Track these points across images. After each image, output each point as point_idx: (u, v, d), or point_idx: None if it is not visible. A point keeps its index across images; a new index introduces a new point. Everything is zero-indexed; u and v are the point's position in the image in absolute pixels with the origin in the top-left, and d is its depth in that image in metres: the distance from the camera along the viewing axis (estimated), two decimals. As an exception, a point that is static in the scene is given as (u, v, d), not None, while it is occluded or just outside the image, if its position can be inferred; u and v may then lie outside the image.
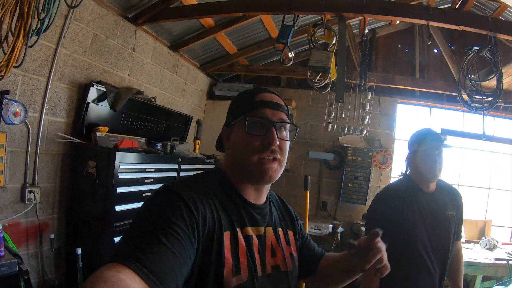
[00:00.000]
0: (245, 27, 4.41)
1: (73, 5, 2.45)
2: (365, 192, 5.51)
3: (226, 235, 1.05)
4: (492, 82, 4.04)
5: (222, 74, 5.53)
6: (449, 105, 5.69)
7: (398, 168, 5.52)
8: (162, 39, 4.19)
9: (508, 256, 4.53)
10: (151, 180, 3.15)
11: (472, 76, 3.94)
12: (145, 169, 3.11)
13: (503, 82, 3.91)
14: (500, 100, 3.89)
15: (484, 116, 4.27)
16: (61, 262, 3.06)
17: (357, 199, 5.52)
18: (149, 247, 0.83)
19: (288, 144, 1.21)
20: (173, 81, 4.37)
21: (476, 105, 3.96)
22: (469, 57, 3.78)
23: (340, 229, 4.66)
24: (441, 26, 3.81)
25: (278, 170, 1.17)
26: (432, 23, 3.55)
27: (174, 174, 3.41)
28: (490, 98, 3.85)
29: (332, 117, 4.81)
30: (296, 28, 3.41)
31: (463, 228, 2.61)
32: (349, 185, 5.52)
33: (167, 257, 0.84)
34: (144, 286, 0.76)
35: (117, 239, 2.73)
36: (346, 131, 4.88)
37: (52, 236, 2.91)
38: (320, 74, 3.56)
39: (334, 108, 4.80)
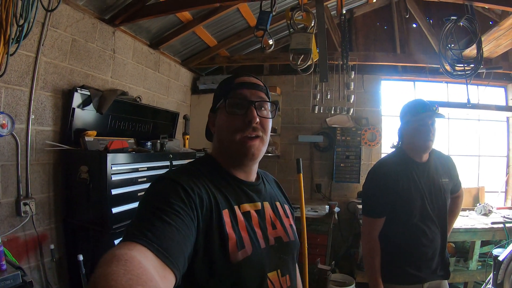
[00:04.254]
0: (223, 18, 4.38)
1: (50, 9, 2.43)
2: (358, 171, 5.57)
3: (225, 213, 1.09)
4: (472, 51, 4.10)
5: (205, 68, 5.50)
6: (432, 77, 5.75)
7: (387, 144, 5.55)
8: (141, 38, 4.15)
9: (504, 220, 4.66)
10: (145, 179, 3.14)
11: (452, 45, 3.98)
12: (137, 168, 3.09)
13: (483, 49, 3.97)
14: (481, 67, 3.95)
15: (468, 84, 4.35)
16: (64, 271, 3.05)
17: (350, 178, 5.57)
18: (155, 226, 0.87)
19: (270, 122, 1.26)
20: (156, 79, 4.35)
21: (459, 73, 4.02)
22: (447, 27, 3.83)
23: (336, 209, 4.73)
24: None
25: (260, 148, 1.23)
26: (408, -5, 3.59)
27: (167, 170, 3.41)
28: (471, 66, 3.90)
29: (317, 100, 4.85)
30: (274, 13, 3.40)
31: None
32: (341, 165, 5.56)
33: (173, 234, 0.89)
34: (156, 260, 0.80)
35: (117, 242, 2.72)
36: (333, 112, 4.94)
37: (52, 247, 2.88)
38: (302, 56, 3.58)
39: (319, 90, 4.84)
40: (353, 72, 4.67)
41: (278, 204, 1.35)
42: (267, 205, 1.28)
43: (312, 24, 3.54)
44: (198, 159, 1.30)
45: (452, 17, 3.72)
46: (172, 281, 0.83)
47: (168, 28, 4.22)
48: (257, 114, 1.19)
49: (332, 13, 5.29)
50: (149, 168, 3.23)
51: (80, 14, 3.19)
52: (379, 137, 5.67)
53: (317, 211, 4.71)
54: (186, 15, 4.02)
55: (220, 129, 1.23)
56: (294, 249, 1.31)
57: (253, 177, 1.31)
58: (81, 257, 2.63)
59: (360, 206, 4.78)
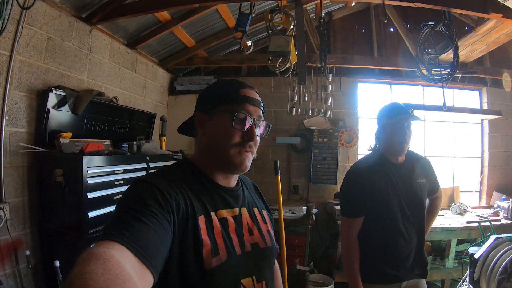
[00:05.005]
0: (202, 18, 4.34)
1: (25, 6, 2.36)
2: (335, 172, 5.62)
3: (201, 219, 1.09)
4: (449, 55, 4.21)
5: (182, 68, 5.44)
6: (409, 80, 5.90)
7: (364, 146, 5.67)
8: (118, 37, 4.07)
9: (479, 219, 4.80)
10: (121, 182, 3.08)
11: (430, 50, 4.07)
12: (114, 171, 3.03)
13: (459, 54, 4.08)
14: (457, 71, 4.05)
15: (444, 87, 4.47)
16: (40, 278, 2.96)
17: (327, 180, 5.62)
18: (133, 226, 0.87)
19: (259, 139, 1.28)
20: (133, 80, 4.27)
21: (435, 77, 4.11)
22: (425, 32, 3.91)
23: (314, 210, 4.77)
24: (396, 4, 3.90)
25: (251, 160, 1.25)
26: (387, 2, 3.64)
27: (144, 173, 3.35)
28: (448, 70, 4.00)
29: (295, 101, 4.88)
30: (253, 15, 3.40)
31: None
32: (318, 166, 5.60)
33: (150, 234, 0.89)
34: (135, 260, 0.80)
35: (94, 246, 2.67)
36: (310, 114, 4.98)
37: (28, 252, 2.81)
38: (281, 59, 3.59)
39: (297, 92, 4.87)
40: (331, 74, 4.72)
41: (256, 210, 1.36)
42: (244, 211, 1.29)
43: (292, 27, 3.56)
44: (176, 163, 1.29)
45: (430, 23, 3.80)
46: (150, 281, 0.84)
47: (146, 28, 4.16)
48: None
49: (311, 15, 5.34)
50: (125, 171, 3.17)
51: (56, 12, 3.11)
52: (356, 138, 5.74)
53: (294, 213, 4.74)
54: (164, 14, 3.97)
55: (217, 136, 1.22)
56: (271, 255, 1.33)
57: (233, 183, 1.31)
58: (57, 263, 2.57)
59: (337, 207, 4.86)
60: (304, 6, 4.01)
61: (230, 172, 1.26)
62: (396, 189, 2.34)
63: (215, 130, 1.22)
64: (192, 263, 1.04)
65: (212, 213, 1.15)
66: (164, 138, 4.21)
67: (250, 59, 5.20)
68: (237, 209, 1.25)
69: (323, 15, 4.46)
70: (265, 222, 1.37)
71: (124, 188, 2.92)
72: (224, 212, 1.20)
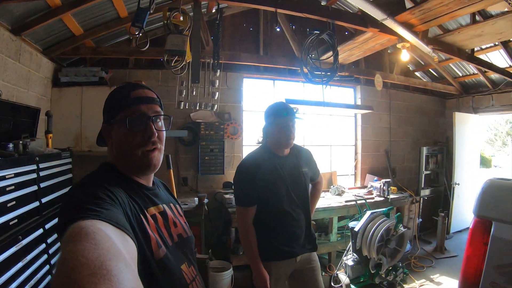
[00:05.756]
0: (94, 6, 4.08)
1: None
2: (222, 163, 5.88)
3: (141, 217, 1.21)
4: (329, 58, 4.69)
5: (67, 58, 5.04)
6: (291, 77, 6.43)
7: (248, 137, 6.15)
8: (2, 21, 3.57)
9: (356, 198, 5.60)
10: (13, 187, 2.78)
11: (313, 55, 4.48)
12: (4, 176, 2.70)
13: (339, 57, 4.60)
14: (336, 75, 4.56)
15: (324, 88, 5.00)
16: None
17: (215, 170, 5.84)
18: (100, 209, 0.94)
19: (164, 133, 1.40)
20: (16, 71, 3.82)
21: (317, 79, 4.54)
22: (310, 39, 4.28)
23: (205, 200, 4.92)
24: (288, 13, 4.17)
25: (159, 158, 1.37)
26: (280, 11, 3.90)
27: (34, 175, 3.06)
28: (328, 73, 4.45)
29: (183, 96, 4.93)
30: (151, 11, 3.34)
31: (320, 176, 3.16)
32: (206, 158, 5.78)
33: (117, 213, 0.99)
34: (117, 231, 0.88)
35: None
36: (198, 108, 5.12)
37: None
38: (176, 57, 3.62)
39: (185, 86, 4.91)
40: (219, 70, 4.86)
41: (172, 205, 1.51)
42: (165, 207, 1.42)
43: (188, 26, 3.61)
44: (99, 170, 1.33)
45: (315, 31, 4.17)
46: (132, 244, 0.92)
47: (33, 13, 3.73)
48: (155, 128, 1.32)
49: (202, 10, 5.37)
50: (16, 175, 2.87)
51: None
52: (240, 130, 6.07)
53: (187, 204, 4.83)
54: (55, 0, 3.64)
55: (120, 144, 1.31)
56: (192, 243, 1.51)
57: (151, 182, 1.44)
58: None
59: (226, 196, 5.21)
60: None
61: (144, 173, 1.37)
62: (283, 179, 2.68)
63: (118, 138, 1.31)
64: (146, 255, 1.14)
65: (146, 211, 1.25)
66: (50, 135, 3.89)
67: (140, 51, 5.02)
68: (161, 206, 1.38)
69: (213, 11, 4.57)
70: (181, 215, 1.55)
71: (17, 194, 2.71)
72: (153, 210, 1.32)
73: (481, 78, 7.41)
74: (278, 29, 6.11)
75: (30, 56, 4.07)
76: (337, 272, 4.63)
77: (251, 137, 6.30)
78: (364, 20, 4.10)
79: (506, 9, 3.89)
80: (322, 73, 4.53)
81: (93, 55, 4.96)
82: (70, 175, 3.76)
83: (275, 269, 2.67)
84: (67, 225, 0.82)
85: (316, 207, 3.30)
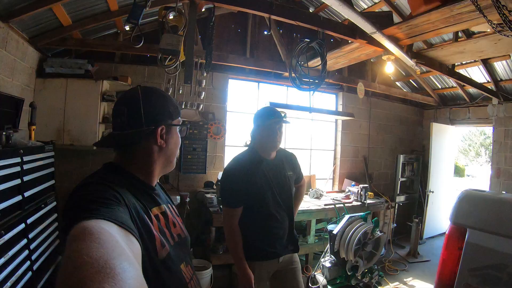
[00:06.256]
0: (86, -3, 3.98)
1: None
2: (204, 162, 5.88)
3: (146, 217, 1.22)
4: (316, 63, 4.77)
5: (52, 48, 4.92)
6: (276, 80, 6.49)
7: (231, 138, 6.19)
8: None
9: (334, 201, 5.70)
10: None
11: (302, 62, 4.55)
12: None
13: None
14: (323, 83, 4.63)
15: (311, 95, 5.09)
16: None
17: (197, 169, 5.84)
18: (105, 209, 0.96)
19: None
20: (2, 59, 3.69)
21: (305, 86, 4.61)
22: (300, 47, 4.34)
23: (187, 199, 4.95)
24: (281, 20, 4.21)
25: None
26: (274, 17, 3.94)
27: (18, 168, 2.98)
28: (316, 81, 4.52)
29: (169, 93, 4.90)
30: (147, 8, 3.31)
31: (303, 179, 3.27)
32: (188, 157, 5.77)
33: (122, 213, 1.00)
34: (121, 231, 0.89)
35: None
36: (183, 107, 5.11)
37: None
38: (170, 56, 3.62)
39: (172, 84, 4.90)
40: (207, 70, 4.88)
41: (170, 205, 1.52)
42: (165, 207, 1.44)
43: (183, 26, 3.60)
44: (105, 169, 1.33)
45: (306, 39, 4.24)
46: (137, 245, 0.93)
47: (23, 0, 3.60)
48: None
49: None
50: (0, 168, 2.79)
51: None
52: (223, 131, 6.09)
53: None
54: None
55: (173, 148, 1.43)
56: (189, 243, 1.54)
57: (155, 183, 1.46)
58: None
59: (208, 195, 5.26)
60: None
61: (168, 171, 1.47)
62: (268, 182, 2.75)
63: (174, 142, 1.43)
64: (151, 254, 1.16)
65: (150, 212, 1.27)
66: (34, 127, 3.80)
67: (128, 46, 4.97)
68: (163, 206, 1.41)
69: (203, 10, 4.56)
70: (178, 216, 1.56)
71: (0, 187, 2.64)
72: (156, 210, 1.34)
73: (460, 91, 7.69)
74: (266, 33, 6.16)
75: (17, 45, 3.96)
76: (315, 273, 4.70)
77: (234, 138, 6.36)
78: (353, 31, 4.20)
79: (488, 30, 4.05)
80: (310, 80, 4.60)
81: (80, 47, 4.85)
82: (52, 169, 3.69)
83: (258, 269, 2.73)
84: (72, 225, 0.83)
85: (297, 209, 3.39)
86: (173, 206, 1.58)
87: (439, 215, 8.05)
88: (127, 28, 5.05)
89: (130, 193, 1.21)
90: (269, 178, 2.77)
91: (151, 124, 1.34)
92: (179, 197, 4.92)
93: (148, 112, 1.34)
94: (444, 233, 7.95)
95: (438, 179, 7.95)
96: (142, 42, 3.36)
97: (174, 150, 1.44)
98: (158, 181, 1.52)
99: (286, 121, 2.84)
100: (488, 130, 20.62)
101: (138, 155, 1.36)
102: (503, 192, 6.33)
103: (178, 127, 1.44)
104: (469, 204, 2.44)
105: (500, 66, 6.33)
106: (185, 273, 1.36)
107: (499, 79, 6.67)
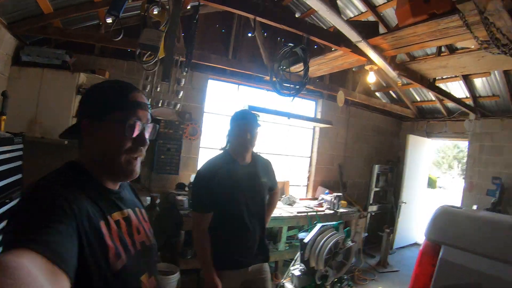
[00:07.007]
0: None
1: None
2: (177, 163, 5.80)
3: (102, 225, 1.12)
4: (298, 69, 4.76)
5: (31, 36, 4.74)
6: (256, 83, 6.47)
7: (206, 139, 6.14)
8: None
9: (306, 209, 5.69)
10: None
11: (284, 67, 4.54)
12: None
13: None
14: (304, 89, 4.64)
15: (292, 100, 5.09)
16: None
17: (170, 170, 5.75)
18: (41, 232, 0.88)
19: None
20: None
21: (285, 91, 4.60)
22: (283, 51, 4.33)
23: (157, 201, 4.85)
24: (267, 23, 4.18)
25: (139, 165, 1.31)
26: (259, 19, 3.92)
27: None
28: (297, 87, 4.52)
29: (147, 91, 4.84)
30: (130, 1, 3.22)
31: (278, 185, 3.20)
32: (162, 156, 5.68)
33: (59, 238, 0.90)
34: (47, 264, 0.81)
35: None
36: (160, 105, 5.02)
37: None
38: (149, 52, 3.55)
39: (150, 81, 4.82)
40: (187, 69, 4.78)
41: (137, 209, 1.42)
42: (130, 212, 1.34)
43: (165, 22, 3.54)
44: (66, 168, 1.23)
45: (290, 44, 4.23)
46: (66, 284, 0.85)
47: None
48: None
49: (176, 6, 5.29)
50: None
51: None
52: (199, 132, 6.03)
53: (138, 203, 4.73)
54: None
55: (108, 145, 1.22)
56: (155, 251, 1.43)
57: (118, 185, 1.35)
58: None
59: (179, 197, 5.17)
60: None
61: (120, 180, 1.32)
62: (241, 188, 2.68)
63: (106, 138, 1.22)
64: (101, 267, 1.07)
65: (109, 217, 1.18)
66: (4, 117, 3.64)
67: (108, 39, 4.81)
68: (126, 211, 1.30)
69: (188, 7, 4.49)
70: (146, 221, 1.45)
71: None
72: (117, 215, 1.24)
73: (438, 105, 7.84)
74: (250, 35, 6.12)
75: (-5, 30, 3.80)
76: (283, 281, 4.69)
77: (209, 140, 6.28)
78: (338, 38, 4.21)
79: (472, 46, 4.12)
80: (291, 85, 4.60)
81: (60, 36, 4.68)
82: (20, 162, 3.53)
83: (227, 278, 2.65)
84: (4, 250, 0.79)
85: (267, 215, 3.35)
86: (142, 210, 1.47)
87: (411, 226, 8.17)
88: (109, 20, 4.94)
89: (87, 196, 1.13)
90: (242, 185, 2.70)
91: (83, 118, 1.24)
92: (149, 198, 4.82)
93: (84, 103, 1.27)
94: (415, 243, 8.17)
95: (411, 190, 8.05)
96: (121, 36, 3.25)
97: (105, 147, 1.23)
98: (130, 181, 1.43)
99: (257, 124, 2.79)
100: (462, 143, 21.15)
101: (82, 153, 1.27)
102: (473, 206, 6.48)
103: (117, 123, 1.22)
104: (445, 220, 2.43)
105: (479, 83, 6.47)
106: (145, 285, 1.26)
107: (478, 95, 6.81)
